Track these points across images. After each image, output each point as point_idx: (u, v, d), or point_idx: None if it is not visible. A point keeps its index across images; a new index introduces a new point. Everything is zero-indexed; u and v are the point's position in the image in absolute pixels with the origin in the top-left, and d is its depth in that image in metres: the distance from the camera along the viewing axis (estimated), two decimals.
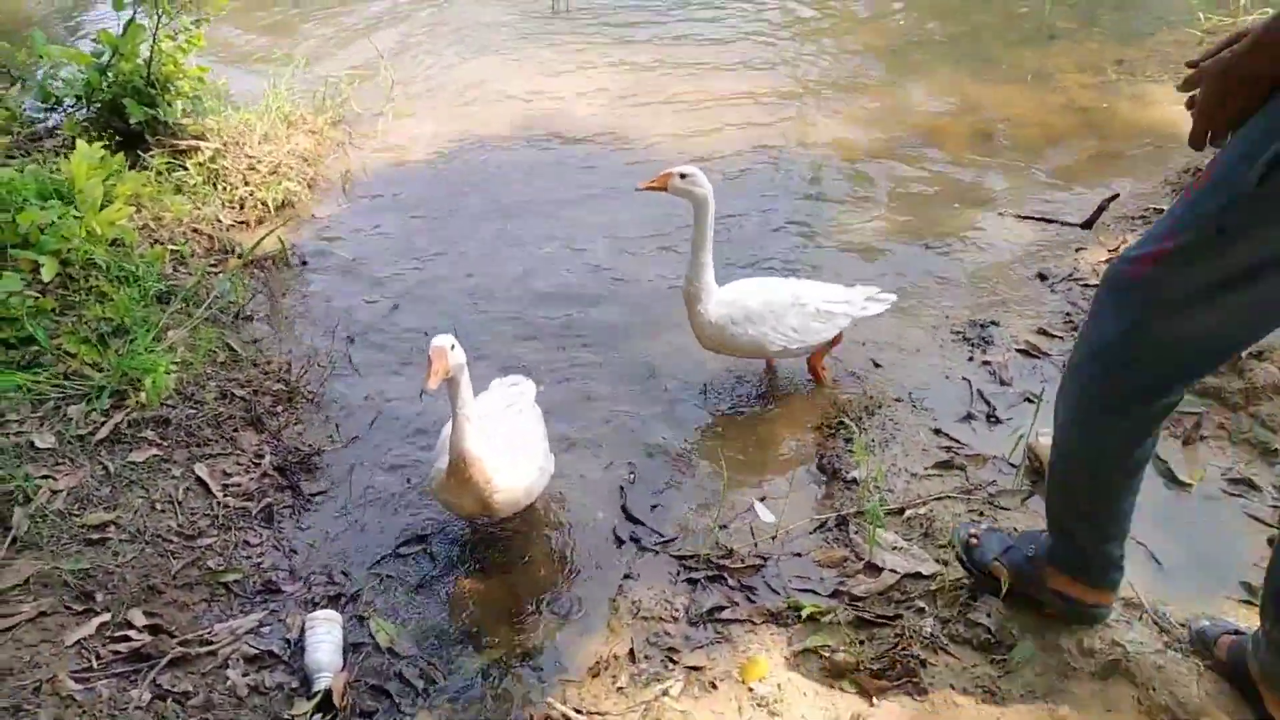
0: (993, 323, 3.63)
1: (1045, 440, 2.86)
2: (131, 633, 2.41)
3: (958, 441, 3.09)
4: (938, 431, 3.13)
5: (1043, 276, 3.88)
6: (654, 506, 2.93)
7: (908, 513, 2.79)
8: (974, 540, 2.50)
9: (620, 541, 2.81)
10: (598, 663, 2.40)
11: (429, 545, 2.79)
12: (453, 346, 2.43)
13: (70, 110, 4.76)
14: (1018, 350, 3.47)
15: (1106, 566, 2.23)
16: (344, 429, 3.24)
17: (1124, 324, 1.88)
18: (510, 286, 4.02)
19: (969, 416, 3.20)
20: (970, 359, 3.46)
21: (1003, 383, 3.33)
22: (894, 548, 2.67)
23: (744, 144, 5.07)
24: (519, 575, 2.71)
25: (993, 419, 3.17)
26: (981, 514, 2.76)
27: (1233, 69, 1.68)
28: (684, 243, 4.20)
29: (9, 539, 2.57)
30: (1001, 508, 2.79)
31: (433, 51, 6.30)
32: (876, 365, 3.47)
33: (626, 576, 2.69)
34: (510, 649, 2.48)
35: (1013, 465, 2.94)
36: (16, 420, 2.97)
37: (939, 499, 2.83)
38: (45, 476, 2.80)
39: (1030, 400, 3.15)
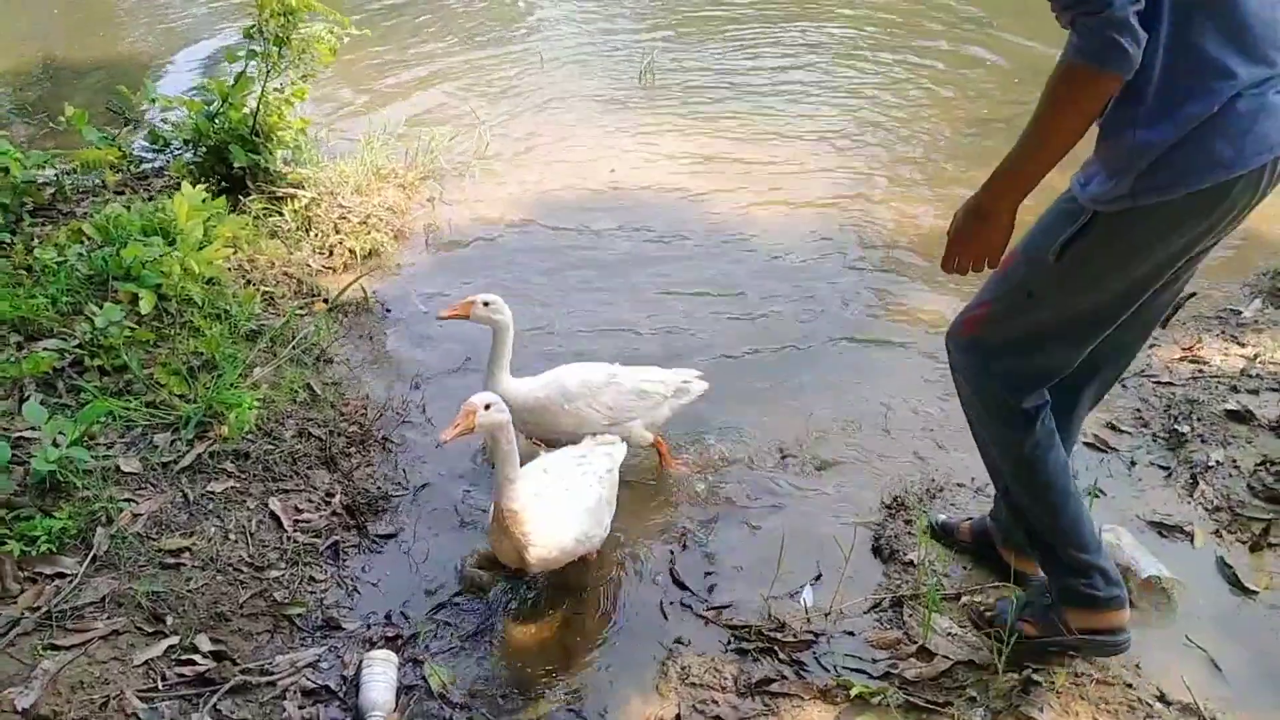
0: None
1: (1109, 537, 2.84)
2: (197, 657, 2.49)
3: None
4: (994, 518, 3.10)
5: None
6: (708, 573, 2.95)
7: (964, 599, 2.78)
8: (989, 613, 2.66)
9: (673, 606, 2.84)
10: None
11: (486, 594, 2.85)
12: (488, 406, 2.51)
13: (178, 153, 5.02)
14: (1084, 443, 3.44)
15: (1106, 582, 2.45)
16: (411, 475, 3.33)
17: (974, 365, 2.38)
18: (580, 342, 4.11)
19: None
20: None
21: None
22: (949, 634, 2.66)
23: (814, 217, 5.14)
24: (572, 630, 2.75)
25: None
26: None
27: (972, 211, 2.19)
28: (761, 315, 4.29)
29: (90, 557, 2.69)
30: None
31: (524, 116, 6.51)
32: (940, 447, 3.46)
33: (677, 641, 2.71)
34: (559, 703, 2.52)
35: None
36: (106, 444, 3.11)
37: (996, 586, 2.81)
38: (128, 500, 2.92)
39: (1095, 494, 3.12)
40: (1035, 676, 2.49)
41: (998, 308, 2.30)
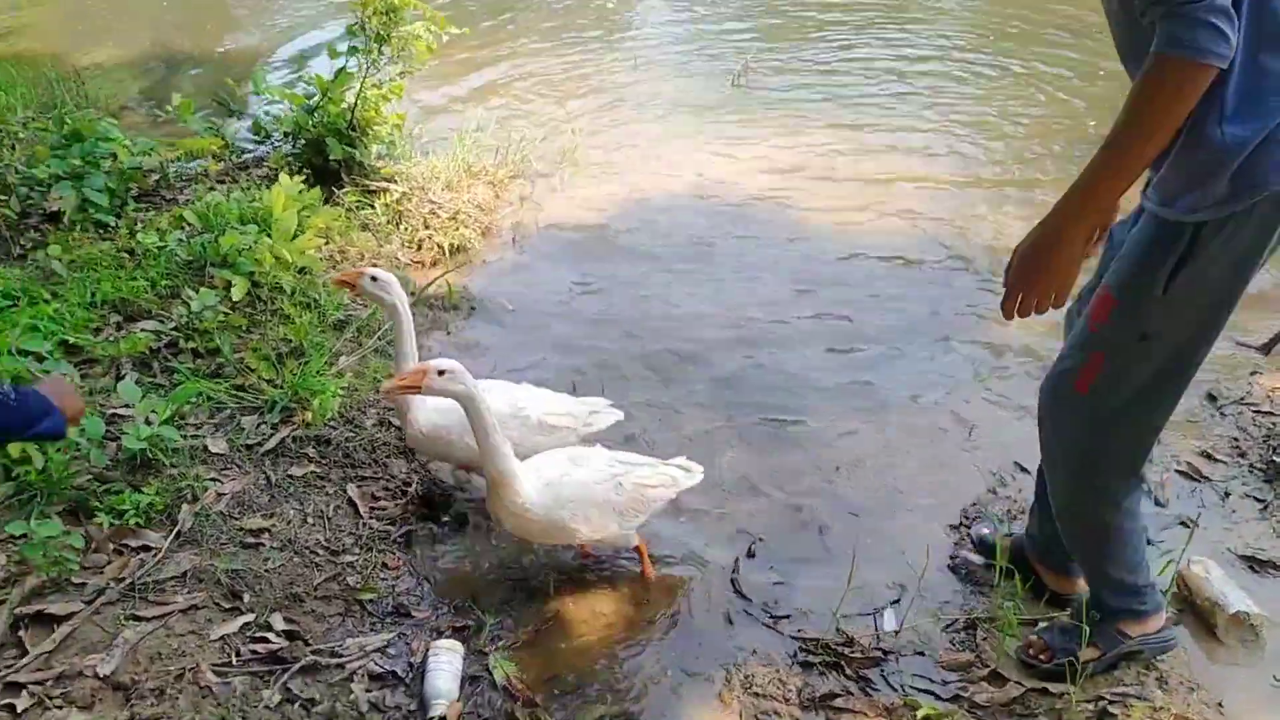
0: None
1: (1197, 569, 2.74)
2: (270, 635, 2.56)
3: None
4: None
5: (1212, 397, 3.70)
6: (776, 583, 2.92)
7: (1040, 625, 2.70)
8: (1036, 651, 2.57)
9: (739, 614, 2.81)
10: None
11: (552, 591, 2.86)
12: (441, 373, 2.45)
13: (278, 144, 5.17)
14: (1178, 471, 3.32)
15: (1152, 591, 2.47)
16: None
17: (1090, 429, 2.20)
18: (661, 344, 4.10)
19: None
20: None
21: (1158, 503, 3.19)
22: (1022, 660, 2.58)
23: (905, 228, 5.05)
24: (637, 632, 2.74)
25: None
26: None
27: (1039, 241, 2.04)
28: (845, 318, 4.23)
29: (174, 533, 2.78)
30: None
31: (615, 117, 6.54)
32: (1023, 469, 3.37)
33: (742, 649, 2.69)
34: (620, 703, 2.52)
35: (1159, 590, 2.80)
36: (195, 424, 3.21)
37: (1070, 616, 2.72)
38: (213, 479, 3.01)
39: (1186, 525, 3.00)
40: (1111, 709, 2.41)
41: (1114, 362, 2.12)
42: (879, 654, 2.65)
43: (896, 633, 2.70)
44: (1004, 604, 2.72)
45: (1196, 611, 2.73)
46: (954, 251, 4.81)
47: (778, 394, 3.79)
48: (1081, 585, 2.69)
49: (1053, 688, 2.48)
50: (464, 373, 2.53)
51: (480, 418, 2.53)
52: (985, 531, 2.99)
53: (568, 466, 2.71)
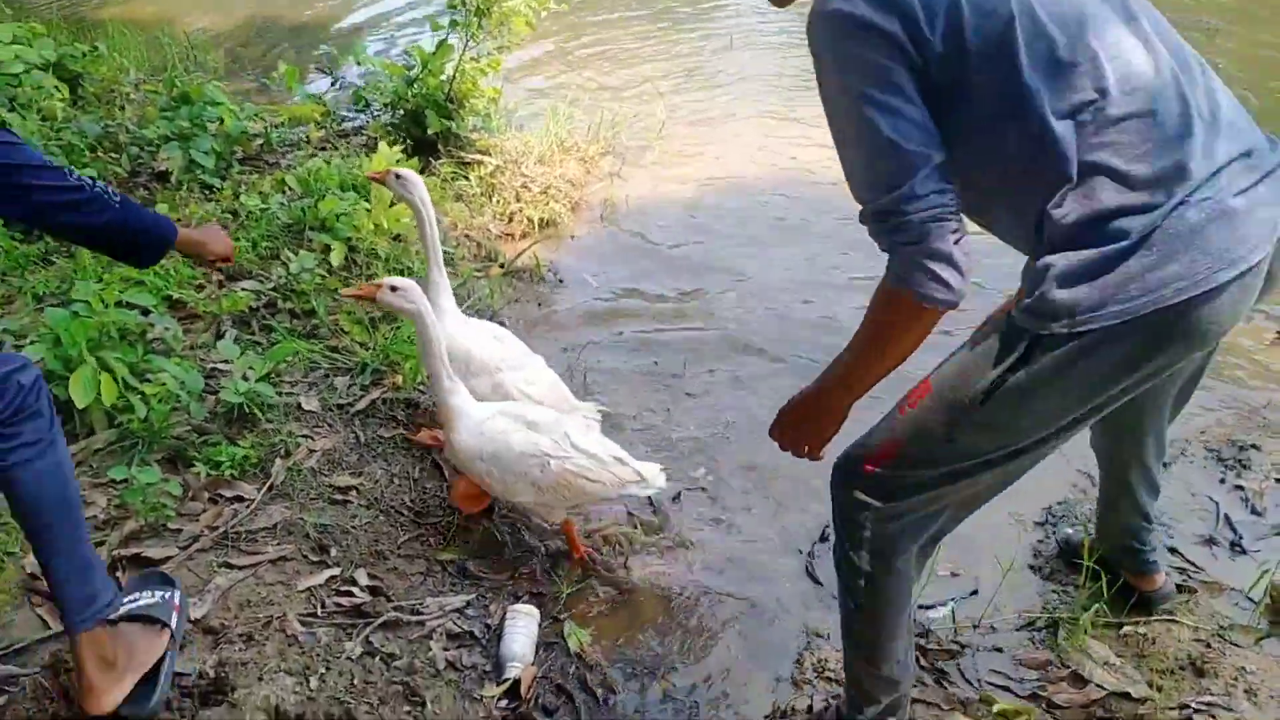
0: (1254, 446, 3.36)
1: None
2: (355, 589, 2.62)
3: (1194, 565, 2.88)
4: (1173, 550, 2.93)
5: None
6: None
7: (1125, 628, 2.63)
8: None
9: (812, 598, 2.81)
10: (775, 711, 2.41)
11: (628, 564, 2.88)
12: (394, 289, 2.59)
13: (377, 114, 5.26)
14: (1278, 480, 3.20)
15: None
16: None
17: (857, 510, 1.94)
18: (747, 325, 4.09)
19: (1211, 541, 2.98)
20: (1222, 480, 3.22)
21: (1255, 512, 3.08)
22: (1105, 662, 2.53)
23: None
24: (711, 609, 2.76)
25: (1237, 548, 2.94)
26: (1209, 645, 2.57)
27: (808, 401, 1.97)
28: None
29: (268, 485, 2.86)
30: (1232, 644, 2.58)
31: (708, 95, 6.51)
32: None
33: (816, 634, 2.68)
34: (691, 679, 2.53)
35: (1251, 600, 2.71)
36: (290, 382, 3.30)
37: (1163, 620, 2.66)
38: (306, 436, 3.09)
39: None
40: (1196, 718, 2.34)
41: (910, 446, 1.87)
42: (955, 646, 2.61)
43: (974, 626, 2.67)
44: (1088, 604, 2.66)
45: None
46: None
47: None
48: (1161, 579, 2.64)
49: (1134, 692, 2.43)
50: (415, 290, 2.65)
51: (425, 339, 2.66)
52: (1069, 531, 2.93)
53: (516, 427, 2.73)
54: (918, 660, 2.56)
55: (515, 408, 2.82)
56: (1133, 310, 1.58)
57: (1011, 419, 1.75)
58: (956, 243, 1.63)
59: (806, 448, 2.03)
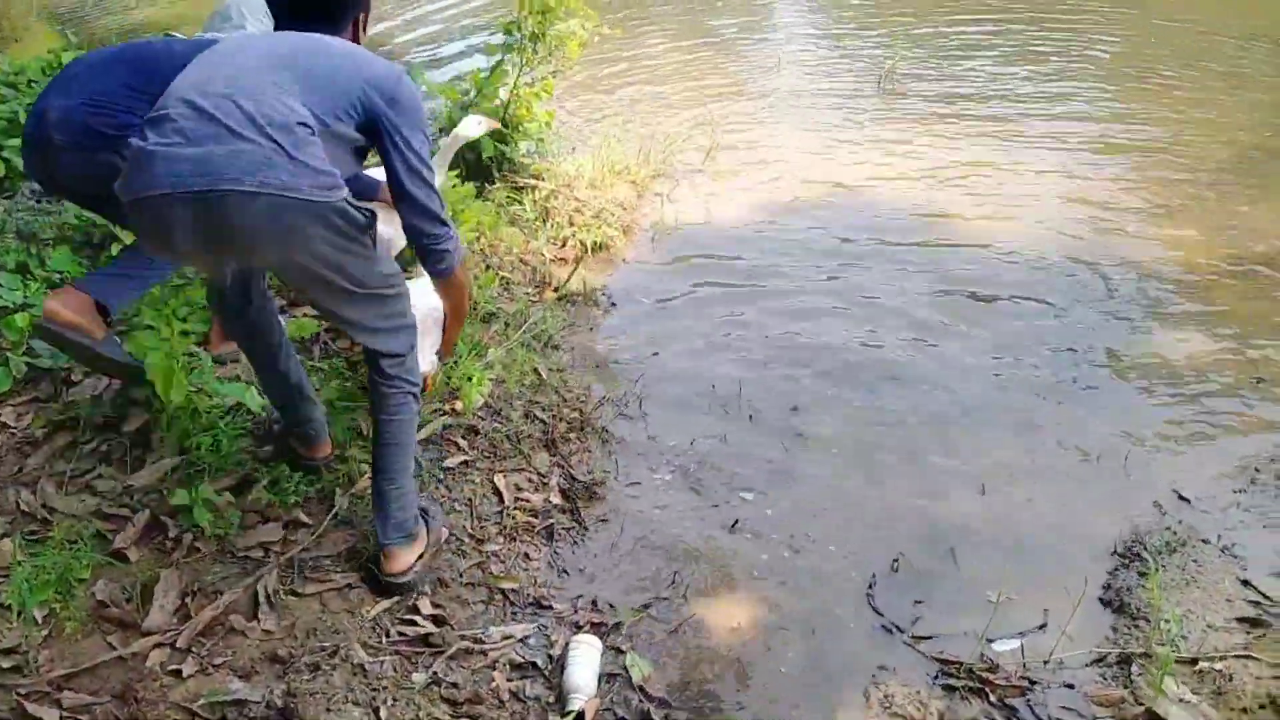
0: None
1: None
2: (418, 618, 2.63)
3: (1268, 598, 2.81)
4: (1246, 583, 2.86)
5: None
6: (917, 601, 2.86)
7: (1201, 665, 2.57)
8: None
9: (878, 630, 2.77)
10: None
11: (689, 595, 2.86)
12: None
13: (433, 138, 5.30)
14: None
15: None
16: (622, 467, 3.39)
17: None
18: (799, 350, 4.07)
19: None
20: None
21: None
22: (1180, 700, 2.47)
23: (1049, 242, 4.87)
24: (773, 642, 2.73)
25: None
26: None
27: None
28: (985, 332, 4.12)
29: (332, 514, 2.88)
30: None
31: (757, 118, 6.52)
32: (1183, 499, 3.22)
33: (881, 668, 2.65)
34: (754, 711, 2.51)
35: None
36: (351, 411, 3.32)
37: (1238, 656, 2.59)
38: (368, 463, 3.10)
39: None
40: None
41: None
42: (1025, 683, 2.57)
43: (1044, 661, 2.62)
44: (1162, 640, 2.60)
45: None
46: (1107, 272, 4.61)
47: (922, 410, 3.71)
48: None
49: None
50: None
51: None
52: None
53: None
54: (985, 697, 2.52)
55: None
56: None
57: None
58: None
59: None
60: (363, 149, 2.41)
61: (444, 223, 2.42)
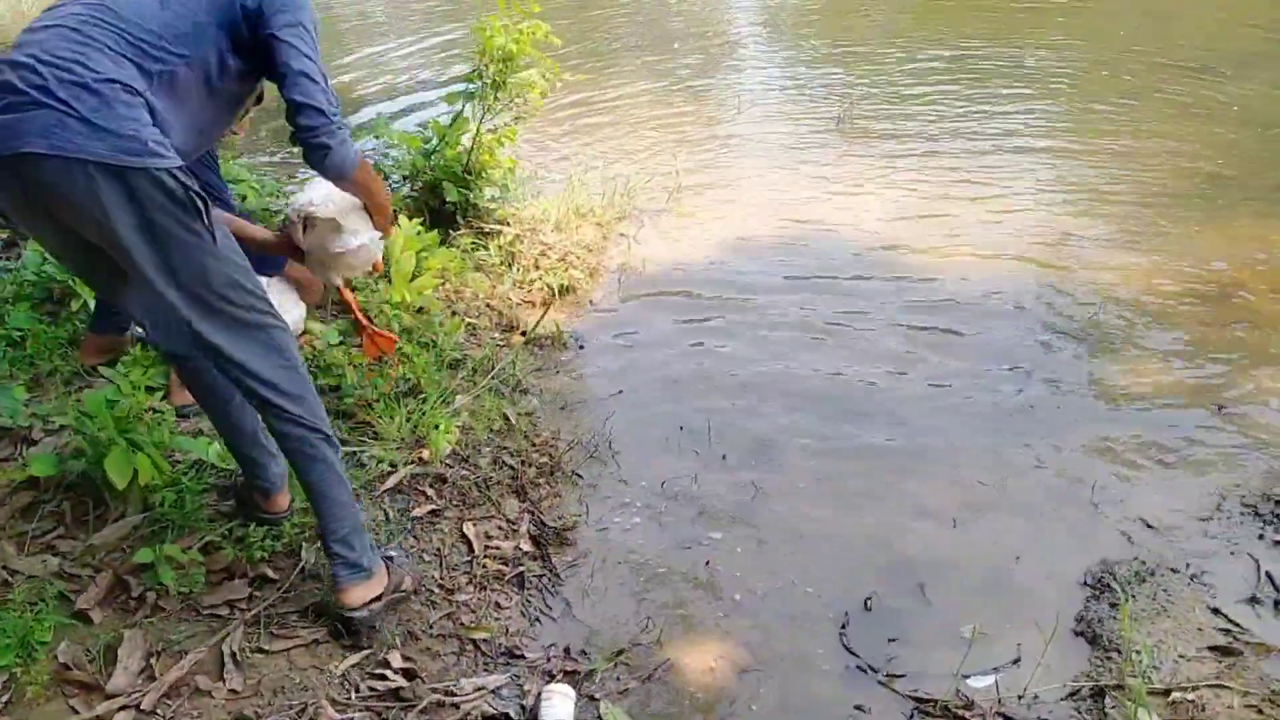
0: None
1: None
2: (388, 672, 2.59)
3: (1238, 625, 2.83)
4: (1216, 611, 2.88)
5: None
6: (891, 639, 2.86)
7: (1174, 695, 2.58)
8: None
9: (850, 670, 2.76)
10: None
11: (662, 639, 2.84)
12: None
13: (396, 186, 5.32)
14: None
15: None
16: (593, 511, 3.37)
17: None
18: (766, 387, 4.08)
19: (1254, 600, 2.93)
20: (1260, 536, 3.18)
21: None
22: None
23: (1010, 274, 4.94)
24: (749, 682, 2.71)
25: None
26: (1260, 710, 2.52)
27: None
28: (948, 364, 4.15)
29: (299, 568, 2.84)
30: None
31: (719, 159, 6.59)
32: (1149, 526, 3.24)
33: (857, 708, 2.63)
34: None
35: None
36: None
37: (1211, 686, 2.60)
38: None
39: None
40: None
41: None
42: (1000, 718, 2.56)
43: (1018, 697, 2.62)
44: (1135, 672, 2.61)
45: None
46: (1066, 302, 4.68)
47: (890, 443, 3.72)
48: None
49: None
50: None
51: None
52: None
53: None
54: None
55: None
56: None
57: None
58: None
59: None
60: (249, 74, 2.35)
61: (325, 115, 2.30)
